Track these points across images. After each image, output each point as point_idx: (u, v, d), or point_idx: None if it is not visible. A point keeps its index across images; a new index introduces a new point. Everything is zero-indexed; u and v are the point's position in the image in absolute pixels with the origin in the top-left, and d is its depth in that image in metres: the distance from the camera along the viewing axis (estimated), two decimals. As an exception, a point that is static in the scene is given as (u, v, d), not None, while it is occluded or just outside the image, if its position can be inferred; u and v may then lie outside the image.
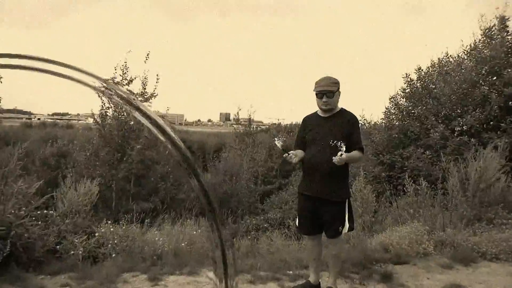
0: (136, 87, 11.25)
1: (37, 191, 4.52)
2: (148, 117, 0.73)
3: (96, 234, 4.39)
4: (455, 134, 9.55)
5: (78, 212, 4.77)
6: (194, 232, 5.06)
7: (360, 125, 3.51)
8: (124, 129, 10.63)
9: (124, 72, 10.96)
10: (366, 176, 8.47)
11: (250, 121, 22.46)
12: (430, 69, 11.64)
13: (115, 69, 10.85)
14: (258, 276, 3.78)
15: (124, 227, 4.65)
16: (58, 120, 61.20)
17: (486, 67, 9.80)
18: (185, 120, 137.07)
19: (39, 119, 68.44)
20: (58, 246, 4.10)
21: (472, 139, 8.90)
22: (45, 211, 4.39)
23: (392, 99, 12.05)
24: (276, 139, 3.33)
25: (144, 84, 11.27)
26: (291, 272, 3.93)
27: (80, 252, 4.06)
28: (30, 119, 67.58)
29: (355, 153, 3.17)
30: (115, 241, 4.31)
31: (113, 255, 4.18)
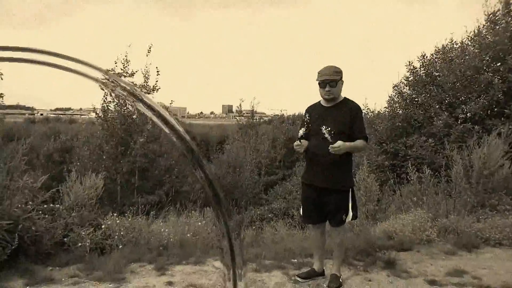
0: (138, 81, 11.26)
1: (42, 185, 4.57)
2: (152, 109, 0.74)
3: (103, 226, 4.44)
4: (459, 122, 9.53)
5: (84, 205, 4.81)
6: (199, 223, 5.10)
7: (363, 114, 3.54)
8: (126, 123, 10.66)
9: (125, 65, 10.96)
10: (370, 165, 8.48)
11: (252, 112, 22.47)
12: (434, 56, 11.56)
13: (116, 63, 10.85)
14: (263, 264, 3.83)
15: (130, 219, 4.70)
16: (61, 115, 61.37)
17: (490, 53, 9.73)
18: (188, 113, 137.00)
19: (41, 114, 68.65)
20: (65, 239, 4.15)
21: (476, 126, 8.89)
22: (51, 205, 4.44)
23: (395, 88, 12.00)
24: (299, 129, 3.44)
25: (146, 78, 11.27)
26: (295, 260, 3.98)
27: (87, 244, 4.11)
28: (33, 114, 67.72)
29: (358, 142, 3.18)
30: (122, 233, 4.37)
31: (120, 246, 4.24)
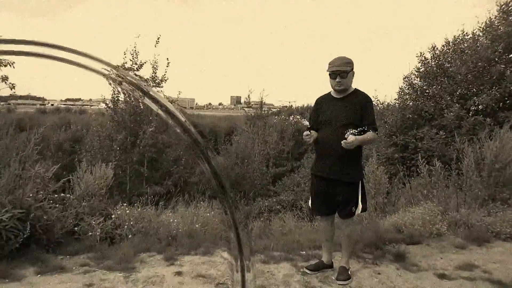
0: (147, 72, 11.29)
1: (53, 175, 4.62)
2: (158, 103, 0.73)
3: (113, 216, 4.48)
4: (470, 114, 9.40)
5: (94, 195, 4.86)
6: (208, 214, 5.13)
7: (373, 105, 3.50)
8: (135, 113, 10.71)
9: (134, 57, 10.98)
10: (379, 158, 8.42)
11: (261, 104, 22.42)
12: (445, 47, 11.38)
13: (125, 54, 10.87)
14: (272, 256, 3.83)
15: (139, 209, 4.74)
16: (71, 106, 61.82)
17: (502, 44, 9.56)
18: (196, 104, 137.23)
19: (52, 105, 69.17)
20: (76, 228, 4.21)
21: (488, 119, 8.76)
22: (62, 194, 4.50)
23: (406, 79, 11.85)
24: (304, 119, 3.44)
25: (154, 69, 11.30)
26: (304, 252, 3.98)
27: (97, 233, 4.16)
28: (44, 105, 68.35)
29: (368, 134, 3.14)
30: (131, 223, 4.41)
31: (129, 236, 4.28)
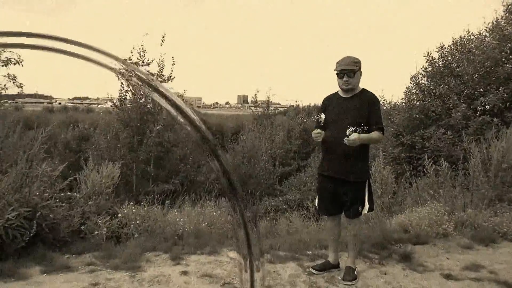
0: (153, 71, 11.29)
1: (60, 174, 4.64)
2: (167, 98, 0.72)
3: (119, 215, 4.49)
4: (477, 114, 9.32)
5: (101, 194, 4.87)
6: (214, 213, 5.13)
7: (380, 105, 3.48)
8: (142, 112, 10.73)
9: (142, 55, 11.01)
10: (386, 157, 8.38)
11: (268, 103, 22.41)
12: (452, 47, 11.30)
13: (132, 52, 10.89)
14: (278, 255, 3.83)
15: (145, 208, 4.75)
16: (79, 104, 62.16)
17: (509, 45, 9.47)
18: (203, 103, 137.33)
19: (60, 103, 69.59)
20: (82, 227, 4.22)
21: (495, 119, 8.69)
22: (69, 193, 4.51)
23: (413, 79, 11.78)
24: (320, 114, 3.40)
25: (161, 67, 11.31)
26: (310, 252, 3.97)
27: (103, 232, 4.17)
28: (51, 103, 68.68)
29: (374, 134, 3.13)
30: (137, 222, 4.41)
31: (136, 235, 4.28)
